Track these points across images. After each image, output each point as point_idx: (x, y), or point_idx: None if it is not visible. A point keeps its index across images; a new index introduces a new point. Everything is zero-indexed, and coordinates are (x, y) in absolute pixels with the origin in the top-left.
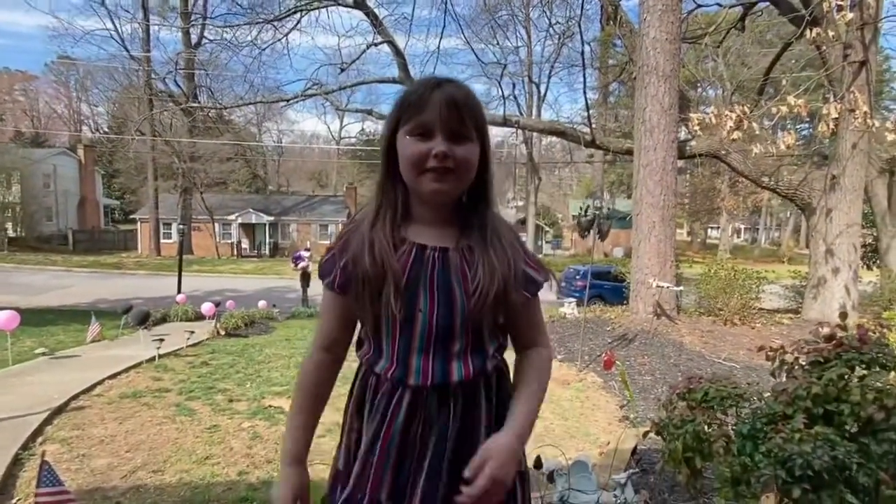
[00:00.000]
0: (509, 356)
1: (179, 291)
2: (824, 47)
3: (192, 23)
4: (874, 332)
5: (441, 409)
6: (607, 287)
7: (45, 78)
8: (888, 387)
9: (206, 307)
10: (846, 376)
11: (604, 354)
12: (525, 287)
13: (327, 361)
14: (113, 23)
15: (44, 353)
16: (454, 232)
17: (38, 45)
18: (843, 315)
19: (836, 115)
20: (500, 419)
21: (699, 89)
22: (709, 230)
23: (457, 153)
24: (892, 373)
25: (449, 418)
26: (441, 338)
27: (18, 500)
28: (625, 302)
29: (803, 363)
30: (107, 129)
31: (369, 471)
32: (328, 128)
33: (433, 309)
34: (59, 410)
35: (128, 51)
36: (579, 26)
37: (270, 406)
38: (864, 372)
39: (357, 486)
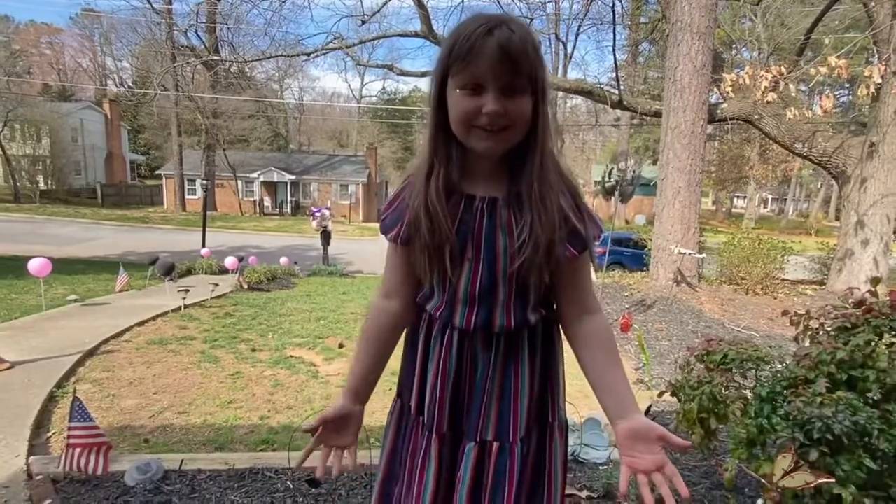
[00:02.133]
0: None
1: (204, 246)
2: (872, 4)
3: None
4: None
5: (484, 352)
6: (627, 254)
7: (70, 31)
8: None
9: (230, 261)
10: (873, 342)
11: (621, 317)
12: (571, 242)
13: (388, 308)
14: None
15: (75, 300)
16: (506, 180)
17: None
18: (876, 280)
19: (879, 80)
20: (543, 377)
21: (734, 51)
22: (735, 199)
23: (510, 109)
24: None
25: (490, 361)
26: (483, 289)
27: (53, 433)
28: (644, 268)
29: (829, 329)
30: (131, 84)
31: (433, 402)
32: (349, 86)
33: (479, 261)
34: (90, 353)
35: (150, 2)
36: None
37: (292, 356)
38: (894, 339)
39: (425, 413)
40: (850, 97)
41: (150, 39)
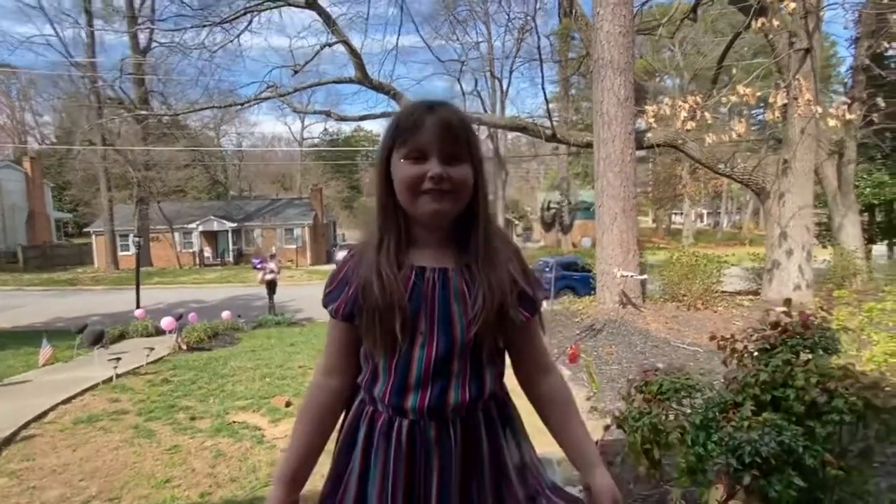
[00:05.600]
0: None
1: (138, 306)
2: (772, 36)
3: (140, 26)
4: (815, 317)
5: (439, 440)
6: (577, 278)
7: None
8: (831, 370)
9: (166, 321)
10: (791, 361)
11: (568, 348)
12: (522, 306)
13: (329, 386)
14: (53, 28)
15: None
16: (453, 252)
17: None
18: (788, 301)
19: (784, 102)
20: (500, 448)
21: (657, 79)
22: (673, 216)
23: (452, 174)
24: (834, 356)
25: (451, 447)
26: (439, 360)
27: None
28: (593, 292)
29: (752, 350)
30: (54, 140)
31: None
32: (289, 129)
33: (433, 331)
34: (7, 441)
35: (70, 56)
36: (534, 21)
37: (234, 422)
38: (809, 356)
39: None
40: (765, 116)
41: (73, 94)
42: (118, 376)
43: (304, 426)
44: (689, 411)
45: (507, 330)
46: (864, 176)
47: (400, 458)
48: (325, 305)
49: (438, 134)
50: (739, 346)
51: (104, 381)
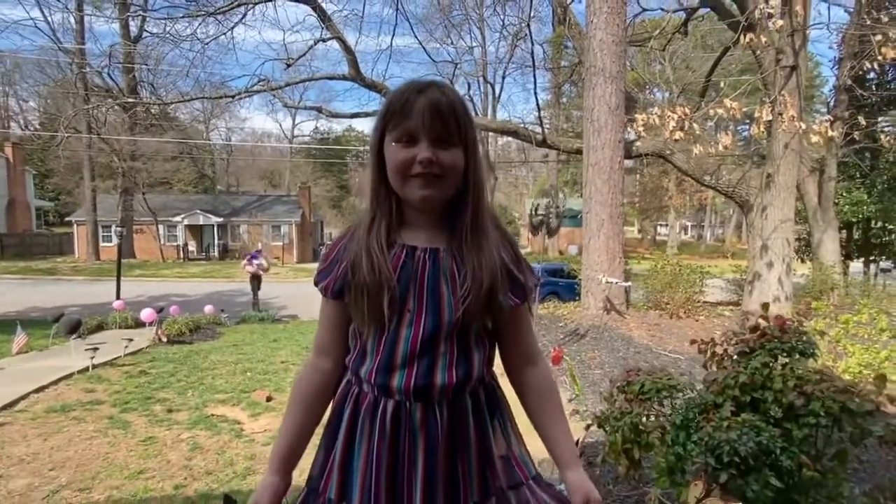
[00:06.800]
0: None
1: (118, 297)
2: (759, 52)
3: (130, 14)
4: (792, 322)
5: (426, 421)
6: (562, 284)
7: None
8: (807, 373)
9: (146, 313)
10: (770, 364)
11: (552, 350)
12: (512, 290)
13: (321, 366)
14: (41, 11)
15: None
16: (446, 234)
17: None
18: (766, 306)
19: (769, 118)
20: (486, 435)
21: (647, 91)
22: (658, 227)
23: (442, 159)
24: (811, 359)
25: (437, 429)
26: (427, 339)
27: None
28: (577, 298)
29: (732, 354)
30: (38, 126)
31: (366, 492)
32: (280, 125)
33: (422, 310)
34: None
35: (59, 42)
36: (528, 27)
37: (213, 415)
38: (786, 360)
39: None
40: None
41: (59, 80)
42: (94, 367)
43: (295, 408)
44: (669, 412)
45: (495, 313)
46: (844, 194)
47: (384, 439)
48: (316, 284)
49: (428, 117)
50: (720, 349)
51: (80, 371)
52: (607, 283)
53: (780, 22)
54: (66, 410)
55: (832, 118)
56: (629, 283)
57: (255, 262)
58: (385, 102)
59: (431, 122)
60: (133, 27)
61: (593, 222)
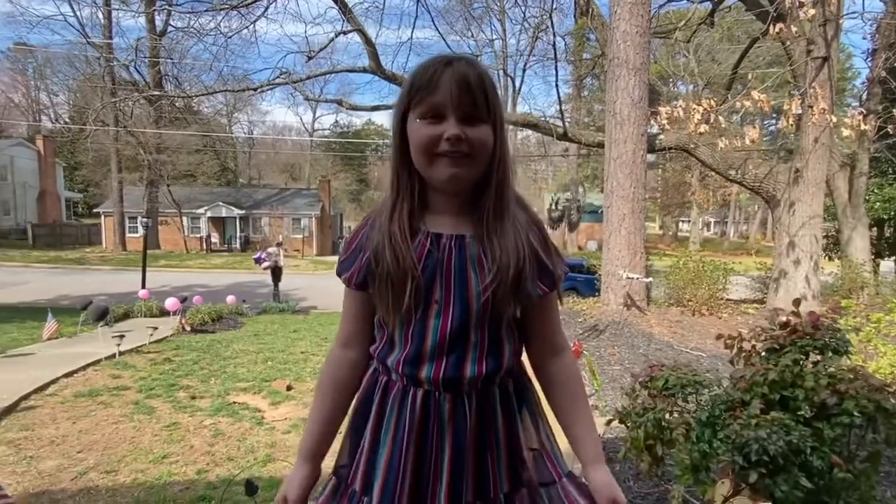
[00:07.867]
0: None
1: (144, 286)
2: (789, 43)
3: (157, 8)
4: (826, 319)
5: (454, 412)
6: (581, 279)
7: (0, 65)
8: (840, 371)
9: (170, 302)
10: (801, 362)
11: (571, 345)
12: (540, 278)
13: (346, 357)
14: (71, 7)
15: None
16: (471, 219)
17: None
18: (797, 302)
19: (798, 111)
20: (515, 427)
21: (671, 84)
22: (680, 223)
23: (471, 136)
24: (845, 357)
25: (466, 420)
26: (455, 330)
27: None
28: (597, 294)
29: (760, 350)
30: (67, 120)
31: (390, 481)
32: (300, 119)
33: (449, 299)
34: (7, 411)
35: (87, 37)
36: (551, 19)
37: (235, 402)
38: (818, 357)
39: (375, 493)
40: (778, 126)
41: (88, 74)
42: (121, 353)
43: (322, 399)
44: (693, 408)
45: (524, 300)
46: (876, 190)
47: (413, 429)
48: (339, 274)
49: (456, 92)
50: (747, 345)
51: (107, 358)
52: (628, 278)
53: (812, 11)
54: (94, 395)
55: (864, 112)
56: (650, 279)
57: (263, 264)
58: (409, 77)
59: (460, 96)
60: (158, 21)
61: (615, 217)
